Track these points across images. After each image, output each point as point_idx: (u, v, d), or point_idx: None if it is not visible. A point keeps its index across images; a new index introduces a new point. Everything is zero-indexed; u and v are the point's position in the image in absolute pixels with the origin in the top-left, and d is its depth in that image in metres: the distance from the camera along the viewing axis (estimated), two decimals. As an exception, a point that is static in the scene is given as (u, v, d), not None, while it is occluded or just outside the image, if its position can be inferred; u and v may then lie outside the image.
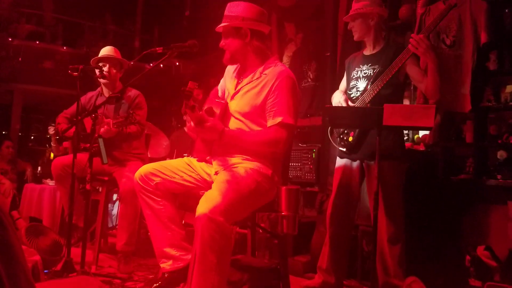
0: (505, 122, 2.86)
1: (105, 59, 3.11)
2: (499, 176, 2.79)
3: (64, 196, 3.06)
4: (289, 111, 1.91)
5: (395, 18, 3.32)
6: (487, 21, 2.79)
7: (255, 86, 1.98)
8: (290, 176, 3.51)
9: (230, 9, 2.02)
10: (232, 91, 2.07)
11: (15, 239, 0.66)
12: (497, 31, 2.84)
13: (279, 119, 1.90)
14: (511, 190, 2.73)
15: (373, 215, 1.96)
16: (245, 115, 1.98)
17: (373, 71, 2.36)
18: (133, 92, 3.14)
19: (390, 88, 2.30)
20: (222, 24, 2.02)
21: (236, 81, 2.10)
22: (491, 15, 2.81)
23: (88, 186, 2.51)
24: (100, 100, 3.08)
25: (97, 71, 3.01)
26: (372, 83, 2.33)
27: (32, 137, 8.15)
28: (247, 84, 2.02)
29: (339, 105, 2.45)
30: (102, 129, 2.73)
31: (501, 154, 2.87)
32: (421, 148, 3.01)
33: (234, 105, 2.02)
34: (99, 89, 3.23)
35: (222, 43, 2.05)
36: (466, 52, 2.86)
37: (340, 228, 2.47)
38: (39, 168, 4.93)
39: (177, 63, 6.28)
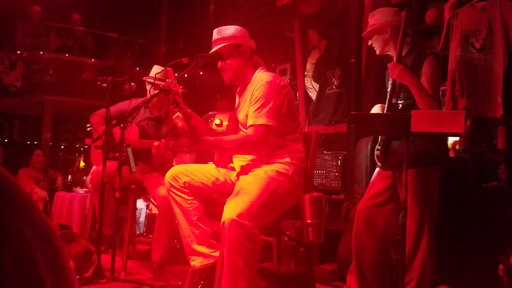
0: (539, 127, 2.77)
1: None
2: (533, 183, 2.70)
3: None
4: (266, 114, 1.95)
5: (422, 22, 3.27)
6: (518, 23, 2.72)
7: (246, 99, 2.09)
8: (315, 184, 3.48)
9: (222, 32, 2.07)
10: (236, 105, 2.23)
11: (66, 262, 0.67)
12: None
13: (251, 121, 1.98)
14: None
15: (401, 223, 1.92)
16: (244, 126, 2.08)
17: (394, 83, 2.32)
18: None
19: (411, 99, 2.24)
20: (222, 45, 2.04)
21: (237, 97, 2.24)
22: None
23: (117, 194, 2.57)
24: (143, 113, 3.09)
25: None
26: (390, 94, 2.30)
27: (62, 147, 8.40)
28: (242, 101, 2.14)
29: None
30: (157, 143, 2.69)
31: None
32: (451, 154, 2.94)
33: (239, 118, 2.18)
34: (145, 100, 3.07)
35: (222, 64, 2.09)
36: (497, 55, 2.78)
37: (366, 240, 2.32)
38: (69, 177, 5.07)
39: (201, 73, 6.37)
